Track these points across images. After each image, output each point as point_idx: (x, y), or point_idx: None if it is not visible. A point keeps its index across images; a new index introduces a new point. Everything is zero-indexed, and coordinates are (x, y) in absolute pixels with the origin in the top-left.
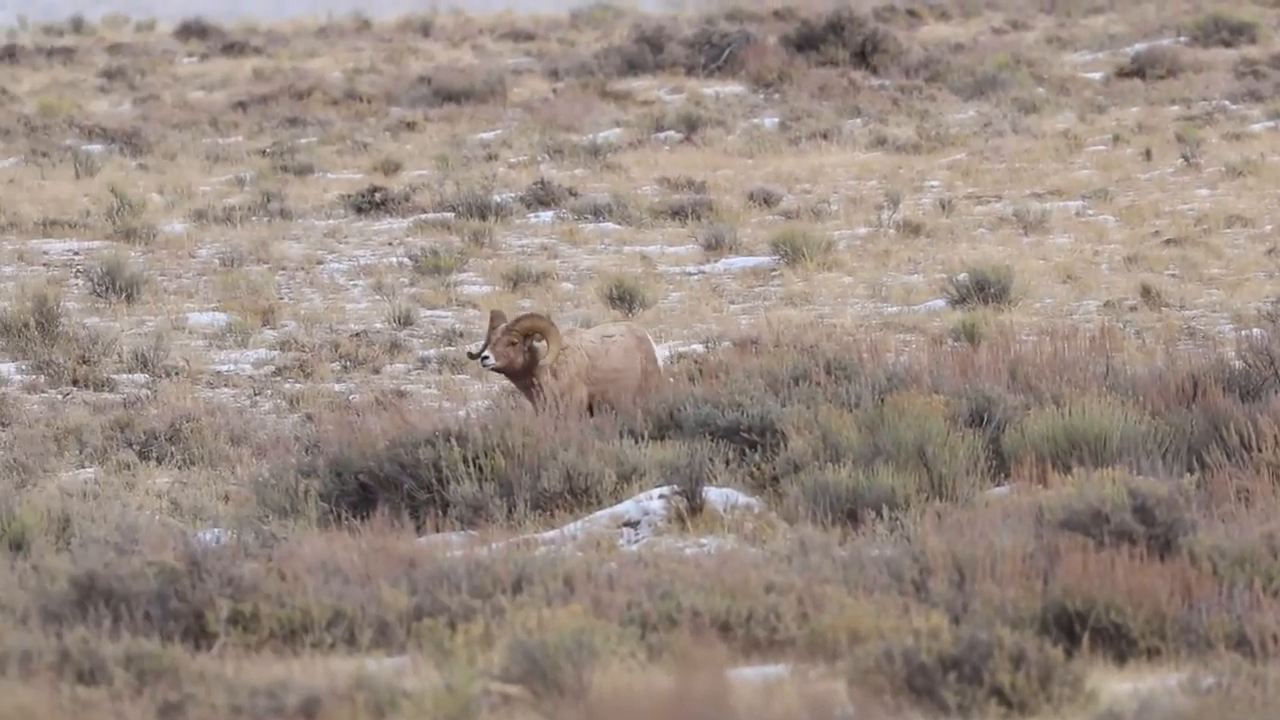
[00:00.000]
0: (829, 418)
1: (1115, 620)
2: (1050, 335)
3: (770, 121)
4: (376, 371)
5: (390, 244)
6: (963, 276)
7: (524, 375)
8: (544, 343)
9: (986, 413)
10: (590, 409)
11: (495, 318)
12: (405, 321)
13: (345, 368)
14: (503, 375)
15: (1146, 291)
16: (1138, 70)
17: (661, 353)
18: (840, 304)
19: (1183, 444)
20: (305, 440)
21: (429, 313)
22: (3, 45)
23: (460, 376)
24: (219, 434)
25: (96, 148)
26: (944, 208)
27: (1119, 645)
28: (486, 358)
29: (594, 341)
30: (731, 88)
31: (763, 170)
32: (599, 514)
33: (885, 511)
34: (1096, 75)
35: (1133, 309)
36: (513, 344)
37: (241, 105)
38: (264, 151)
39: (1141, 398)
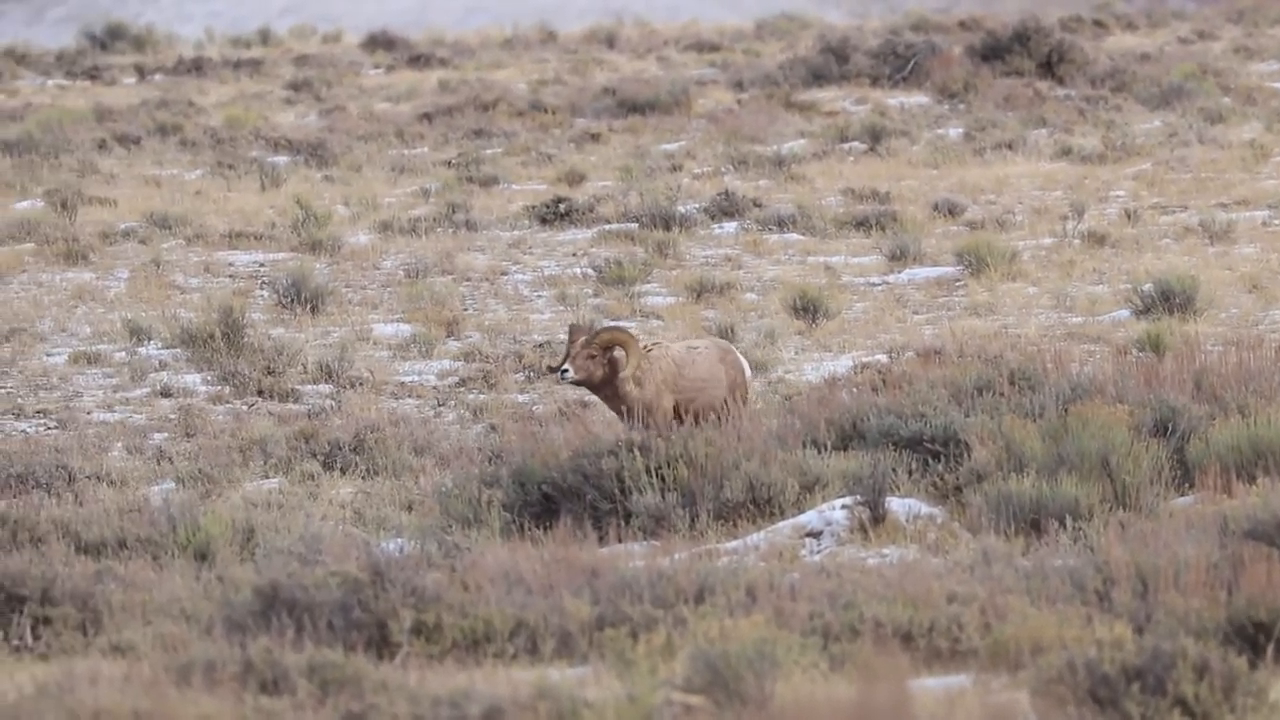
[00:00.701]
0: (1012, 428)
1: None
2: (1236, 345)
3: (955, 132)
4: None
5: (574, 255)
6: (1148, 287)
7: (605, 387)
8: (624, 354)
9: (1171, 423)
10: (679, 418)
11: (574, 331)
12: None
13: (529, 378)
14: (585, 389)
15: None
16: None
17: (749, 369)
18: (1024, 314)
19: None
20: (488, 450)
21: (613, 324)
22: (190, 57)
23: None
24: (403, 444)
25: (282, 159)
26: (1129, 218)
27: None
28: (566, 371)
29: (680, 351)
30: (916, 98)
31: (947, 181)
32: (781, 524)
33: (1068, 521)
34: None
35: None
36: (592, 357)
37: (427, 116)
38: (449, 163)
39: None
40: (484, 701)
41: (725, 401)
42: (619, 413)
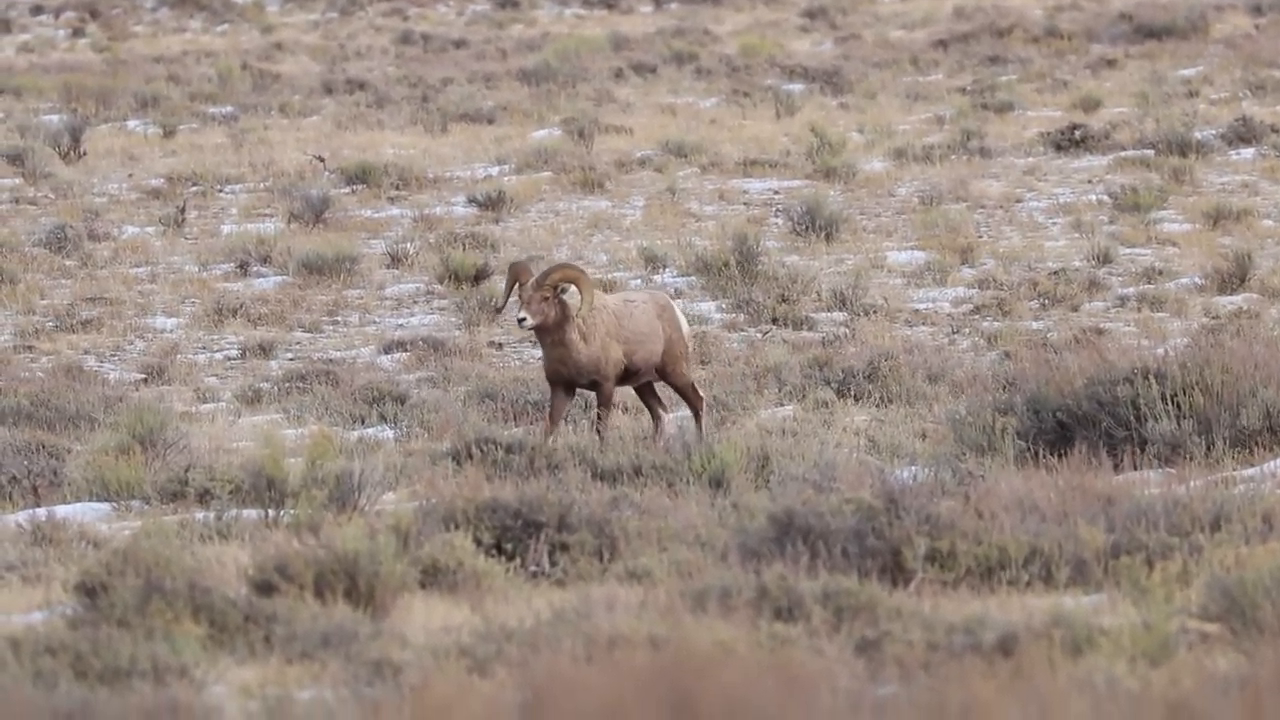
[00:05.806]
0: None
1: None
2: None
3: None
4: (1075, 309)
5: (1089, 181)
6: None
7: (554, 332)
8: (577, 295)
9: None
10: (628, 371)
11: (518, 270)
12: (1104, 259)
13: (1043, 305)
14: (534, 334)
15: None
16: None
17: (686, 325)
18: None
19: None
20: (1002, 378)
21: (1128, 251)
22: None
23: (1159, 314)
24: (916, 372)
25: (797, 87)
26: None
27: None
28: (524, 319)
29: (617, 303)
30: None
31: None
32: None
33: None
34: None
35: None
36: (545, 299)
37: (942, 43)
38: (964, 89)
39: None
40: (999, 628)
41: (662, 357)
42: (558, 367)
